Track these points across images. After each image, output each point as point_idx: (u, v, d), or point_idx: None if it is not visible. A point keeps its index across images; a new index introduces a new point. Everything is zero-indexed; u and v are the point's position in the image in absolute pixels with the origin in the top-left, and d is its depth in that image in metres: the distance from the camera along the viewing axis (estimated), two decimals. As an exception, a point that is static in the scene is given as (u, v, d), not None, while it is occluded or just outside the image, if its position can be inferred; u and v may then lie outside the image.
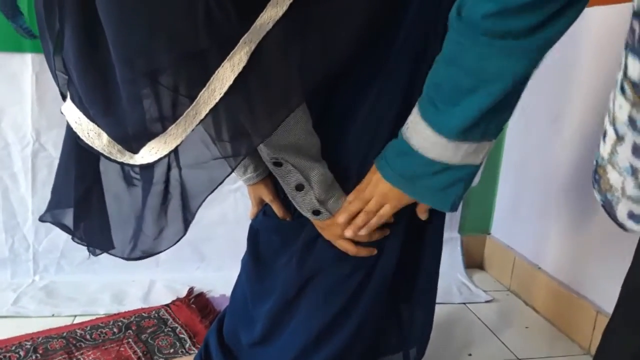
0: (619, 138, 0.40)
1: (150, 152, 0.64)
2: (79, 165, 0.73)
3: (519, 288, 1.64)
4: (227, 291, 1.43)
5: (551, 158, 1.51)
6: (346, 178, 0.79)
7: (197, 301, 1.45)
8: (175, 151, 0.64)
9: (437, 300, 1.48)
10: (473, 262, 1.81)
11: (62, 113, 0.70)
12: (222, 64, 0.59)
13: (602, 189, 0.44)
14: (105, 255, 1.63)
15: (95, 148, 0.66)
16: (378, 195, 0.76)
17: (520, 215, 1.68)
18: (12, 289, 1.49)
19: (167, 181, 0.69)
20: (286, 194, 0.80)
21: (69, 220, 0.77)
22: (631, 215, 0.42)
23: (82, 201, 0.75)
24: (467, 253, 1.79)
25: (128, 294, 1.50)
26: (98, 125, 0.66)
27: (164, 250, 0.72)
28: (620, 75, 0.41)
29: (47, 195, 1.50)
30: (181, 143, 0.63)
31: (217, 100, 0.60)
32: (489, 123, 0.67)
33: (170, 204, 0.70)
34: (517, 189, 1.71)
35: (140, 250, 0.74)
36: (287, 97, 0.65)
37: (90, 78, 0.64)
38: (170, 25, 0.58)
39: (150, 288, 1.54)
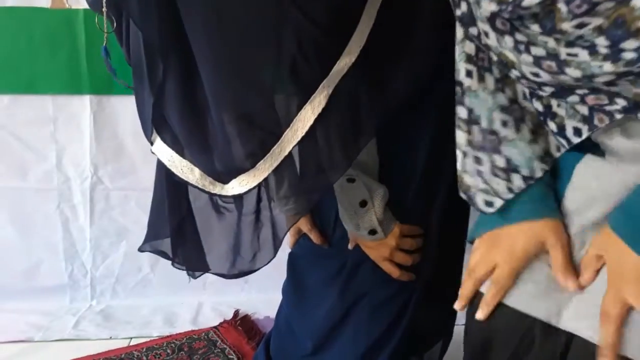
0: (464, 155, 0.61)
1: (241, 184, 0.72)
2: (171, 199, 0.81)
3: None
4: (271, 313, 1.50)
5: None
6: (399, 202, 0.85)
7: (243, 323, 1.53)
8: (265, 184, 0.72)
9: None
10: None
11: (153, 153, 0.79)
12: (305, 106, 0.68)
13: (464, 190, 0.63)
14: (155, 279, 1.73)
15: (189, 182, 0.75)
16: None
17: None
18: (72, 314, 1.59)
19: (258, 211, 0.76)
20: (323, 224, 0.86)
21: (166, 247, 0.84)
22: (486, 203, 0.61)
23: (177, 231, 0.82)
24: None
25: (178, 317, 1.59)
26: (190, 162, 0.74)
27: (258, 269, 0.79)
28: (456, 119, 0.61)
29: (104, 225, 1.64)
30: (268, 176, 0.71)
31: (299, 138, 0.68)
32: None
33: (262, 232, 0.77)
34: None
35: (237, 269, 0.81)
36: (359, 134, 0.72)
37: (189, 122, 0.73)
38: (262, 76, 0.68)
39: (198, 310, 1.62)
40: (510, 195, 0.60)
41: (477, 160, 0.61)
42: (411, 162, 0.84)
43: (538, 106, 0.56)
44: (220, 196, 0.76)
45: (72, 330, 1.51)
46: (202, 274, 0.85)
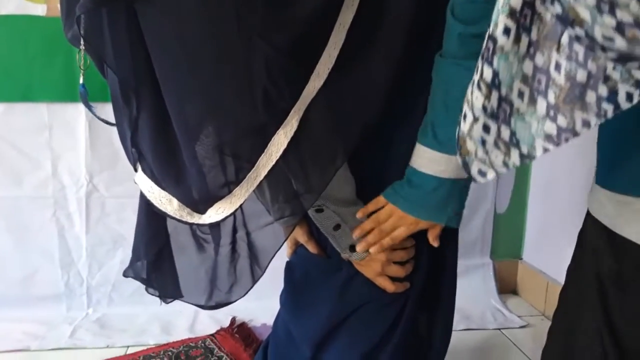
0: (475, 119, 0.58)
1: (217, 212, 0.73)
2: (150, 228, 0.83)
3: (553, 312, 1.65)
4: (268, 320, 1.50)
5: (579, 180, 1.54)
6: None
7: (239, 330, 1.53)
8: (241, 212, 0.72)
9: (472, 327, 1.52)
10: (506, 288, 1.83)
11: (135, 183, 0.79)
12: (277, 131, 0.68)
13: (462, 153, 0.61)
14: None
15: (168, 213, 0.75)
16: (394, 218, 0.81)
17: (551, 239, 1.70)
18: (68, 322, 1.59)
19: (234, 242, 0.77)
20: (320, 234, 0.87)
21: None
22: (479, 172, 0.61)
23: (154, 257, 0.84)
24: (499, 279, 1.81)
25: (175, 325, 1.59)
26: (169, 193, 0.75)
27: (236, 301, 0.80)
28: (477, 77, 0.57)
29: (100, 233, 1.64)
30: (244, 202, 0.71)
31: (274, 162, 0.69)
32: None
33: (239, 262, 0.78)
34: (546, 213, 1.74)
35: (214, 301, 0.82)
36: (333, 155, 0.72)
37: (162, 156, 0.74)
38: (235, 109, 0.68)
39: (195, 318, 1.62)
40: (503, 169, 0.59)
41: (485, 128, 0.58)
42: (400, 170, 0.84)
43: (592, 68, 0.50)
44: (199, 225, 0.76)
45: (69, 339, 1.50)
46: (172, 301, 0.86)
